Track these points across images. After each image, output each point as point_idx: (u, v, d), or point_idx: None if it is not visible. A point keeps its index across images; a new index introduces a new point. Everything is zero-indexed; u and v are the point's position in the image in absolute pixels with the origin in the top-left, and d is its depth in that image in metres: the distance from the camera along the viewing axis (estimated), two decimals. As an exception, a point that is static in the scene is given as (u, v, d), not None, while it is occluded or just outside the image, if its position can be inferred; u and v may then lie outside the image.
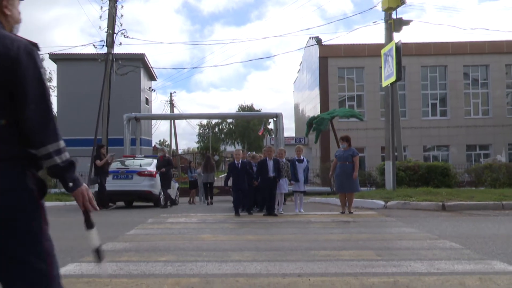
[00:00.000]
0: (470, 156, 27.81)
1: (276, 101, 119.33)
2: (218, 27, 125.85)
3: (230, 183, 9.80)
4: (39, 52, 1.67)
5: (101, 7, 19.24)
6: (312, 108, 30.52)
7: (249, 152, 14.56)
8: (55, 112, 31.64)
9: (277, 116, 21.00)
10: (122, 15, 19.76)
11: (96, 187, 11.69)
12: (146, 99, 33.03)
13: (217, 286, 3.38)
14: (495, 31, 51.13)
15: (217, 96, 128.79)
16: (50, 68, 45.30)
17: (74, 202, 12.97)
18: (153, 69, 34.05)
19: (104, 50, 19.44)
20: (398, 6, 13.99)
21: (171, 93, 42.55)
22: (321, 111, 25.26)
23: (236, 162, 9.53)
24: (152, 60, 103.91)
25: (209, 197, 16.46)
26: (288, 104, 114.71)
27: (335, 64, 27.96)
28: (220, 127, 74.75)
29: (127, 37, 19.79)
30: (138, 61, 28.21)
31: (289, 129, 46.07)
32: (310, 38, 30.39)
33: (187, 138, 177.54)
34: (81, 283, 3.48)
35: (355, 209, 9.51)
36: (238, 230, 6.84)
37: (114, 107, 20.44)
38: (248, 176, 9.58)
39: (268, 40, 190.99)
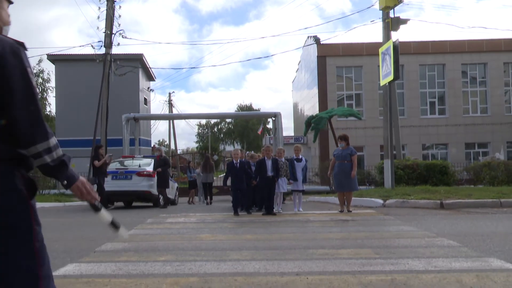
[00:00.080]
0: (468, 154, 27.87)
1: (274, 101, 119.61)
2: (216, 27, 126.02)
3: (229, 182, 9.82)
4: (26, 52, 1.65)
5: (99, 8, 19.27)
6: (311, 107, 30.54)
7: (247, 152, 14.58)
8: (54, 113, 31.67)
9: (276, 116, 21.04)
10: (120, 16, 19.81)
11: (94, 187, 11.69)
12: (145, 99, 33.02)
13: (216, 285, 3.40)
14: (493, 30, 51.14)
15: (216, 96, 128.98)
16: (48, 69, 45.37)
17: (74, 203, 12.99)
18: (152, 69, 34.09)
19: (102, 50, 19.48)
20: (395, 5, 14.01)
21: (169, 93, 42.64)
22: (319, 110, 25.28)
23: (234, 161, 9.55)
24: (151, 60, 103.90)
25: (208, 197, 16.50)
26: (286, 104, 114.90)
27: (333, 63, 27.99)
28: (219, 127, 74.75)
29: (125, 37, 19.79)
30: (137, 62, 28.21)
31: (288, 129, 46.22)
32: (308, 37, 30.41)
33: (186, 138, 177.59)
34: (80, 283, 3.49)
35: (353, 208, 9.53)
36: (237, 230, 6.86)
37: (113, 108, 20.45)
38: (247, 175, 9.59)
39: (267, 39, 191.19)
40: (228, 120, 69.89)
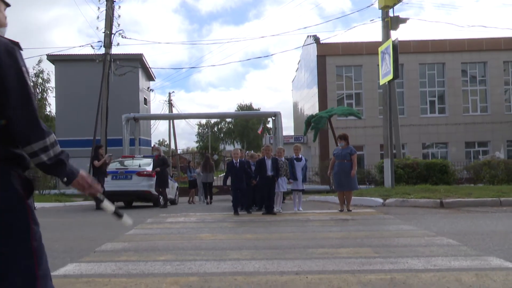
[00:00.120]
0: (468, 153, 27.88)
1: (274, 100, 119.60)
2: (216, 27, 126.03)
3: (228, 182, 9.83)
4: (21, 52, 1.65)
5: (99, 8, 19.28)
6: (311, 107, 30.55)
7: (247, 151, 14.59)
8: (54, 113, 31.66)
9: (276, 115, 21.05)
10: (119, 16, 19.83)
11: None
12: (145, 99, 33.03)
13: (216, 285, 3.41)
14: (492, 28, 51.18)
15: (216, 96, 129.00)
16: (48, 69, 45.33)
17: (74, 203, 13.00)
18: (151, 69, 34.09)
19: (102, 50, 19.49)
20: (394, 4, 13.99)
21: (169, 93, 42.68)
22: (319, 110, 25.29)
23: (234, 161, 9.55)
24: (150, 60, 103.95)
25: (208, 197, 16.51)
26: (286, 103, 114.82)
27: (333, 62, 27.99)
28: (219, 126, 74.72)
29: (125, 37, 19.80)
30: (136, 61, 28.21)
31: (288, 128, 46.24)
32: (308, 36, 30.41)
33: (186, 138, 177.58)
34: (80, 283, 3.50)
35: (353, 207, 9.54)
36: (237, 229, 6.87)
37: (113, 108, 20.46)
38: (247, 175, 9.60)
39: (266, 39, 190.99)
40: (228, 119, 69.92)
